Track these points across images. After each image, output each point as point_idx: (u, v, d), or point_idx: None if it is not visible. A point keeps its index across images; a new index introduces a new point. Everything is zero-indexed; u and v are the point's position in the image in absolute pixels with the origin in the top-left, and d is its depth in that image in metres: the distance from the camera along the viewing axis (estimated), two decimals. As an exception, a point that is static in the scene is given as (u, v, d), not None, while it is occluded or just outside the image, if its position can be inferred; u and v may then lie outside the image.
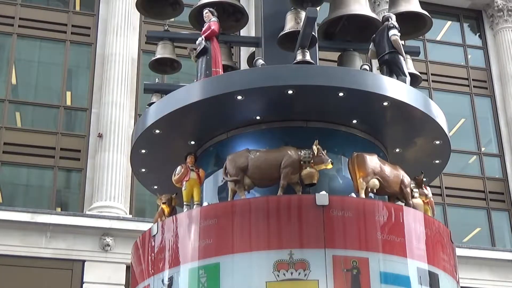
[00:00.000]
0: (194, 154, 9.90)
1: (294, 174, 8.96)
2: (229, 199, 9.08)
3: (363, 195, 9.03)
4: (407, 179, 9.57)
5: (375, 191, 9.25)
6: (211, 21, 10.33)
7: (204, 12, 10.49)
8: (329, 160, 9.03)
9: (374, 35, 10.55)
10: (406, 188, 9.50)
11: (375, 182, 9.20)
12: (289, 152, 9.05)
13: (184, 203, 9.61)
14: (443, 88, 26.25)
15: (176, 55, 11.45)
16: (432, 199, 10.16)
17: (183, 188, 9.64)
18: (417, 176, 9.91)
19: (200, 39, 10.24)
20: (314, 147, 9.02)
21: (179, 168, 9.76)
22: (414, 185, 9.74)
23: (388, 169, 9.38)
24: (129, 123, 21.68)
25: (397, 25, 10.29)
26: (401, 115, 9.73)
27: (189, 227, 8.94)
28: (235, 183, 9.01)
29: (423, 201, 9.86)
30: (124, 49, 22.50)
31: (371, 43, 10.54)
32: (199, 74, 10.10)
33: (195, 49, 10.48)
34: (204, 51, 10.16)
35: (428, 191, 10.13)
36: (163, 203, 9.97)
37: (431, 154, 10.64)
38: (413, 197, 9.59)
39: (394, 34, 10.21)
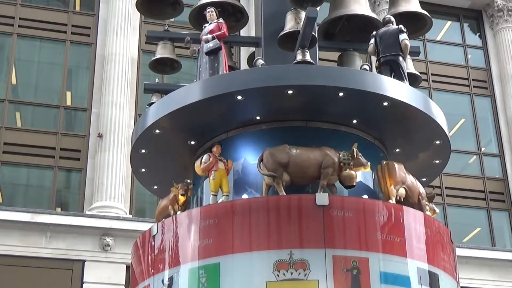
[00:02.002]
0: (220, 144, 9.64)
1: (333, 175, 9.06)
2: (263, 194, 9.03)
3: (394, 202, 9.14)
4: (423, 191, 9.77)
5: (402, 199, 9.36)
6: (220, 23, 10.34)
7: (209, 11, 10.47)
8: (368, 163, 9.18)
9: (376, 32, 10.47)
10: (423, 200, 9.69)
11: (402, 191, 9.38)
12: (329, 152, 9.11)
13: (212, 192, 9.32)
14: (443, 88, 26.22)
15: (176, 55, 11.45)
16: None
17: (211, 178, 9.35)
18: (429, 192, 10.08)
19: (210, 36, 10.19)
20: (354, 149, 9.12)
21: (206, 156, 9.49)
22: (426, 199, 9.89)
23: (410, 180, 9.56)
24: (129, 123, 21.66)
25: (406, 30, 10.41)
26: (401, 115, 9.73)
27: (189, 227, 8.94)
28: (273, 178, 8.95)
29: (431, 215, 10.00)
30: (124, 49, 22.49)
31: (373, 38, 10.44)
32: (210, 72, 10.04)
33: (195, 48, 10.45)
34: (217, 50, 10.16)
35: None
36: (181, 194, 9.71)
37: (431, 154, 10.65)
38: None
39: (406, 39, 10.29)
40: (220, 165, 9.41)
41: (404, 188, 9.38)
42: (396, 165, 9.44)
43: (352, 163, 9.09)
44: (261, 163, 9.10)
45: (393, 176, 9.31)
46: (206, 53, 10.14)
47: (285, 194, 8.84)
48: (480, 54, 27.41)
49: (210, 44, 10.15)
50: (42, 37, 23.20)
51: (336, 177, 9.09)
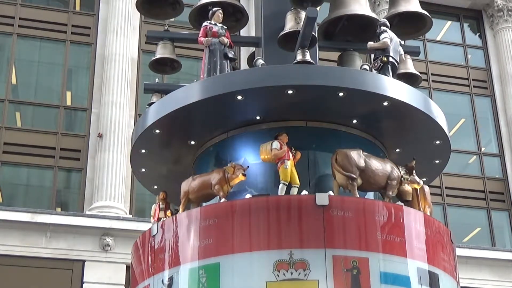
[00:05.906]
0: (287, 132, 9.31)
1: (396, 188, 9.32)
2: (335, 194, 9.01)
3: None
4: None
5: None
6: (228, 32, 10.38)
7: (219, 12, 10.46)
8: (421, 182, 9.53)
9: (387, 31, 10.28)
10: None
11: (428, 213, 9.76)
12: (392, 166, 9.37)
13: (283, 182, 9.02)
14: (443, 88, 26.22)
15: (176, 55, 11.45)
16: None
17: (284, 166, 9.04)
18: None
19: (228, 41, 10.21)
20: (413, 166, 9.46)
21: (277, 143, 9.18)
22: None
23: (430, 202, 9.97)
24: (129, 123, 21.66)
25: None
26: (401, 115, 9.74)
27: (189, 227, 8.94)
28: (351, 180, 8.98)
29: None
30: (124, 49, 22.49)
31: (387, 33, 10.23)
32: (226, 71, 10.08)
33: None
34: (234, 60, 10.29)
35: None
36: (243, 174, 9.22)
37: (431, 154, 10.65)
38: None
39: (403, 54, 10.55)
40: (290, 155, 9.19)
41: (430, 210, 9.82)
42: (427, 189, 9.91)
43: (409, 179, 9.42)
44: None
45: (427, 199, 9.77)
46: (226, 57, 10.17)
47: (358, 196, 8.89)
48: (480, 54, 27.41)
49: (232, 52, 10.27)
50: (42, 37, 23.20)
51: (396, 190, 9.34)
